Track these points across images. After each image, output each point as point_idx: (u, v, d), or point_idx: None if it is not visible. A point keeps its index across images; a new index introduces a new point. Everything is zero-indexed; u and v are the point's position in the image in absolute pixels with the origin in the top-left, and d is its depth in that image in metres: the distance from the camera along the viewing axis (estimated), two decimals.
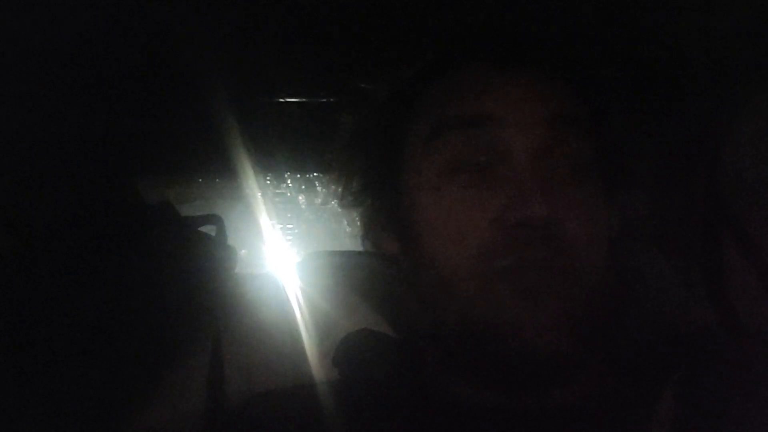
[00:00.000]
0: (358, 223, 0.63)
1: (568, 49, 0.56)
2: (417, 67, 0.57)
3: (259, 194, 0.84)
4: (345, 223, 0.68)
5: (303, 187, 0.91)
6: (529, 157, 0.47)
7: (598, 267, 0.48)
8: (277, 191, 0.90)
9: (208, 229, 0.69)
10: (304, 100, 0.76)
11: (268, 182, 0.89)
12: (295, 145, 0.83)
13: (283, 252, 0.87)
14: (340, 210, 0.64)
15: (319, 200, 0.91)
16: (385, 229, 0.58)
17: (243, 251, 0.82)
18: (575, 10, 0.57)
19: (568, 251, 0.46)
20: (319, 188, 0.91)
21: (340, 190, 0.63)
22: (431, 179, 0.50)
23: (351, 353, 0.58)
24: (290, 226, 0.91)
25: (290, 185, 0.90)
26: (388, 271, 0.58)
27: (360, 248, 0.64)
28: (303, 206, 0.91)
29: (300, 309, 0.61)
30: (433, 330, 0.52)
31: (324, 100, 0.75)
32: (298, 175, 0.90)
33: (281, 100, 0.75)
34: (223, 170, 0.81)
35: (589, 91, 0.53)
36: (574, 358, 0.46)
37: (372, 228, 0.60)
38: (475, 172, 0.49)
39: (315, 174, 0.90)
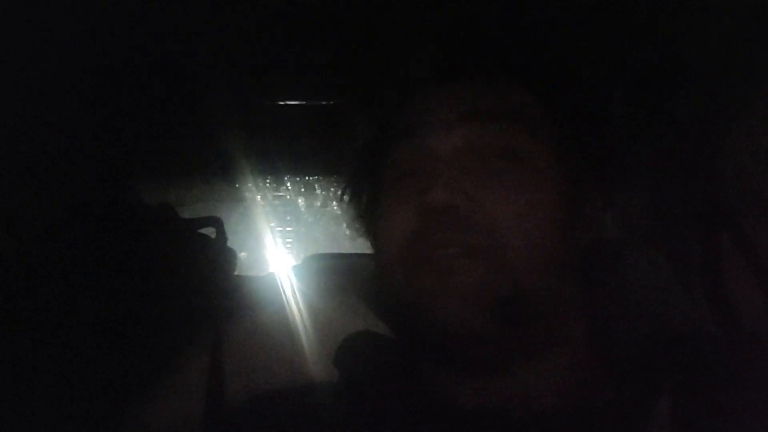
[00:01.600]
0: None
1: (529, 55, 0.59)
2: (398, 78, 0.62)
3: (259, 197, 0.84)
4: (344, 225, 0.68)
5: (302, 189, 0.91)
6: (449, 154, 0.52)
7: (533, 248, 0.49)
8: (277, 194, 0.90)
9: (208, 232, 0.69)
10: (303, 103, 0.76)
11: (268, 185, 0.89)
12: (295, 147, 0.83)
13: (283, 254, 0.87)
14: (339, 212, 0.65)
15: (318, 203, 0.91)
16: (369, 232, 0.61)
17: (243, 253, 0.82)
18: (572, 12, 0.57)
19: (491, 234, 0.48)
20: (318, 191, 0.91)
21: (340, 193, 0.65)
22: (389, 185, 0.56)
23: (351, 355, 0.58)
24: (290, 228, 0.91)
25: (290, 188, 0.90)
26: None
27: (359, 250, 0.65)
28: (302, 209, 0.91)
29: (300, 311, 0.61)
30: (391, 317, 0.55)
31: (323, 103, 0.76)
32: (298, 178, 0.90)
33: (281, 103, 0.76)
34: (222, 173, 0.82)
35: (539, 88, 0.56)
36: (494, 336, 0.48)
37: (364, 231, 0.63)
38: (415, 176, 0.53)
39: (314, 177, 0.90)
